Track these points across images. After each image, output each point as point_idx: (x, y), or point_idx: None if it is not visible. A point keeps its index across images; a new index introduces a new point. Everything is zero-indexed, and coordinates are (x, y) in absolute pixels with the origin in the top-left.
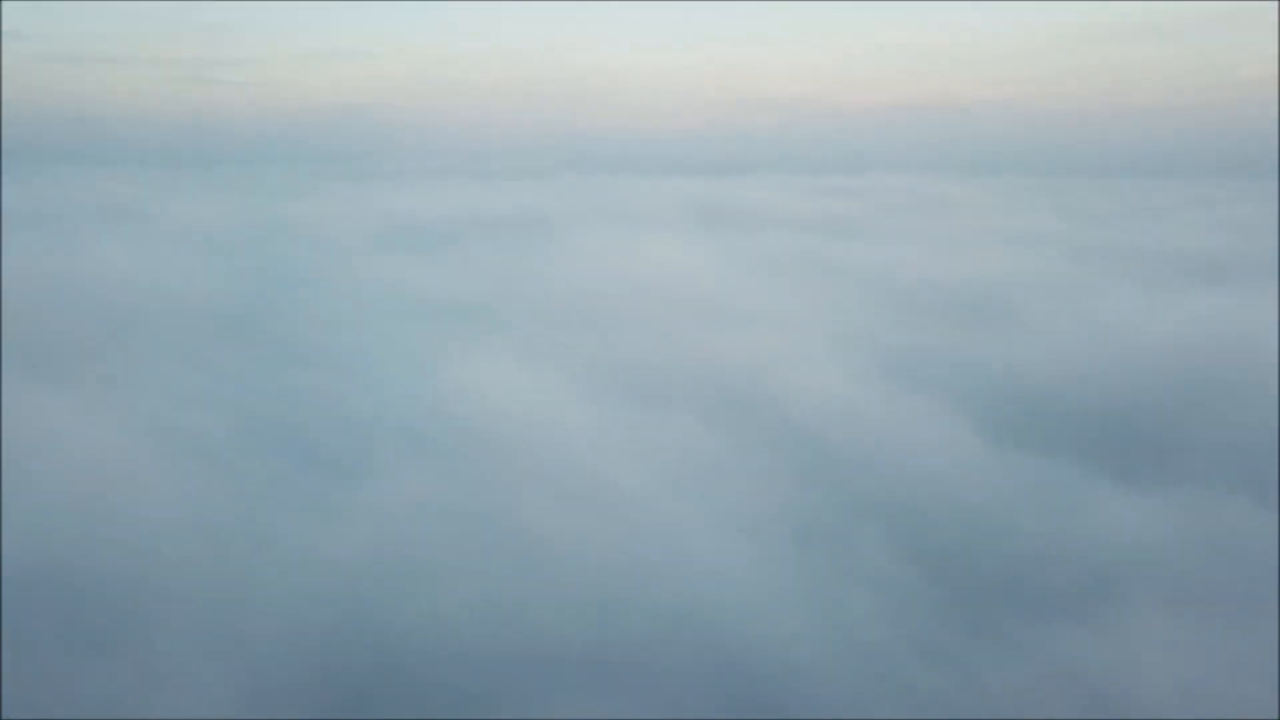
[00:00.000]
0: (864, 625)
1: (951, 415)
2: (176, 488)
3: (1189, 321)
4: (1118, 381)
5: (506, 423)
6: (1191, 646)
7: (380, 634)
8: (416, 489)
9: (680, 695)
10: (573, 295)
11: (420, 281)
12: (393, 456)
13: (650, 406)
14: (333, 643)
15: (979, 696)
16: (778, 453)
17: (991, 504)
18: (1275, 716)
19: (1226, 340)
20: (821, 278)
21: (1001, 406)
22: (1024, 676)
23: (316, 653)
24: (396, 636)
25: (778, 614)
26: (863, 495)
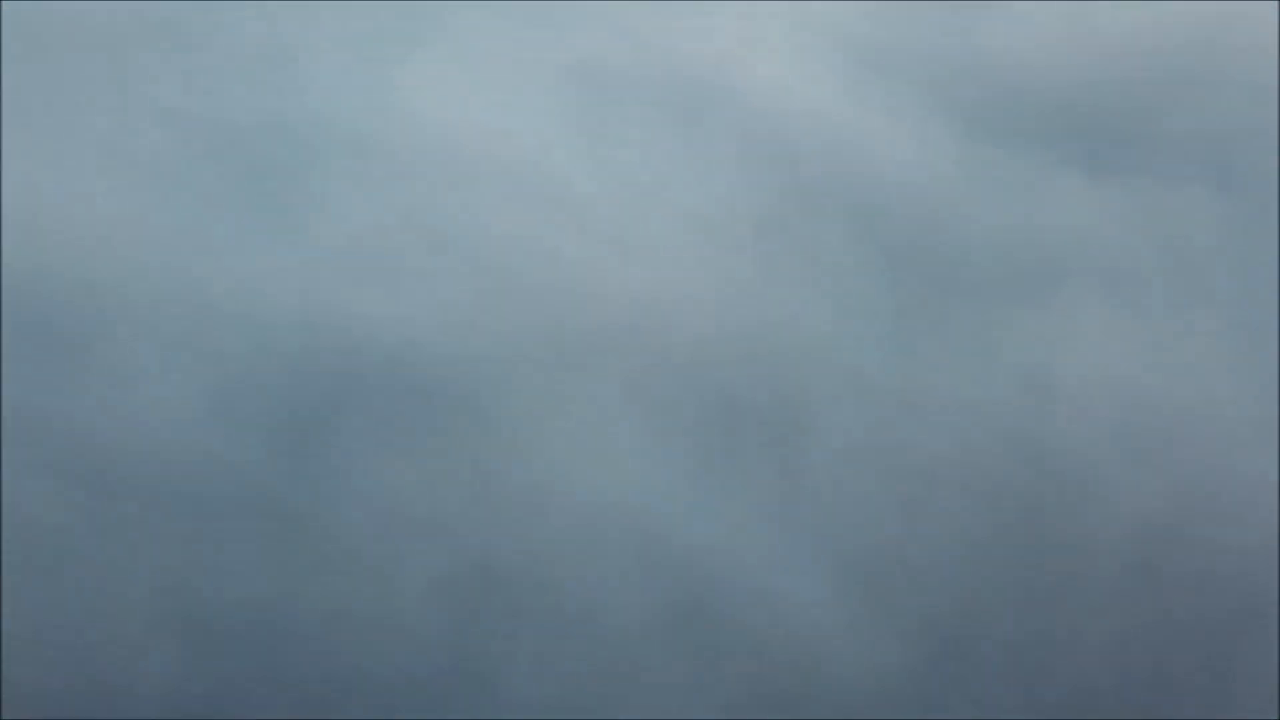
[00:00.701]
0: (821, 315)
1: (918, 105)
2: (116, 199)
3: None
4: (1094, 68)
5: (457, 124)
6: (1127, 328)
7: (341, 337)
8: (367, 194)
9: (642, 383)
10: None
11: None
12: (341, 161)
13: (605, 101)
14: (296, 346)
15: (924, 377)
16: (737, 146)
17: (951, 193)
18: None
19: (1215, 25)
20: None
21: (972, 95)
22: (965, 357)
23: (281, 355)
24: (358, 339)
25: (735, 305)
26: (824, 187)
